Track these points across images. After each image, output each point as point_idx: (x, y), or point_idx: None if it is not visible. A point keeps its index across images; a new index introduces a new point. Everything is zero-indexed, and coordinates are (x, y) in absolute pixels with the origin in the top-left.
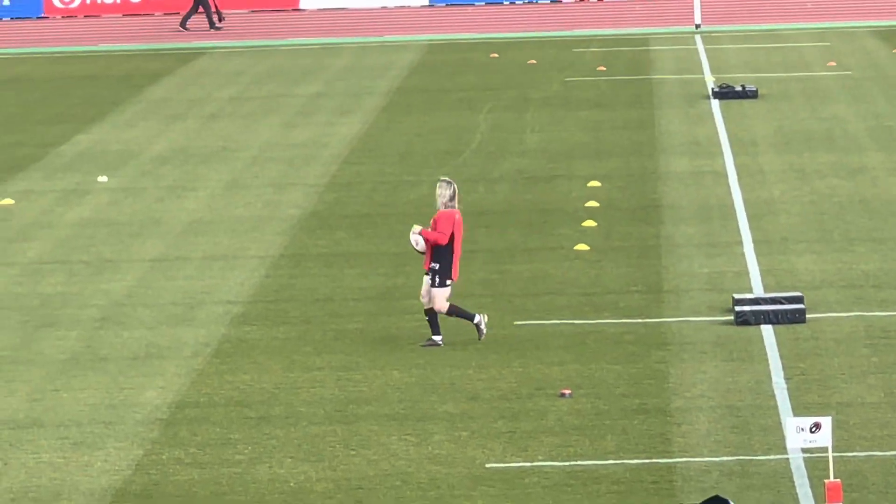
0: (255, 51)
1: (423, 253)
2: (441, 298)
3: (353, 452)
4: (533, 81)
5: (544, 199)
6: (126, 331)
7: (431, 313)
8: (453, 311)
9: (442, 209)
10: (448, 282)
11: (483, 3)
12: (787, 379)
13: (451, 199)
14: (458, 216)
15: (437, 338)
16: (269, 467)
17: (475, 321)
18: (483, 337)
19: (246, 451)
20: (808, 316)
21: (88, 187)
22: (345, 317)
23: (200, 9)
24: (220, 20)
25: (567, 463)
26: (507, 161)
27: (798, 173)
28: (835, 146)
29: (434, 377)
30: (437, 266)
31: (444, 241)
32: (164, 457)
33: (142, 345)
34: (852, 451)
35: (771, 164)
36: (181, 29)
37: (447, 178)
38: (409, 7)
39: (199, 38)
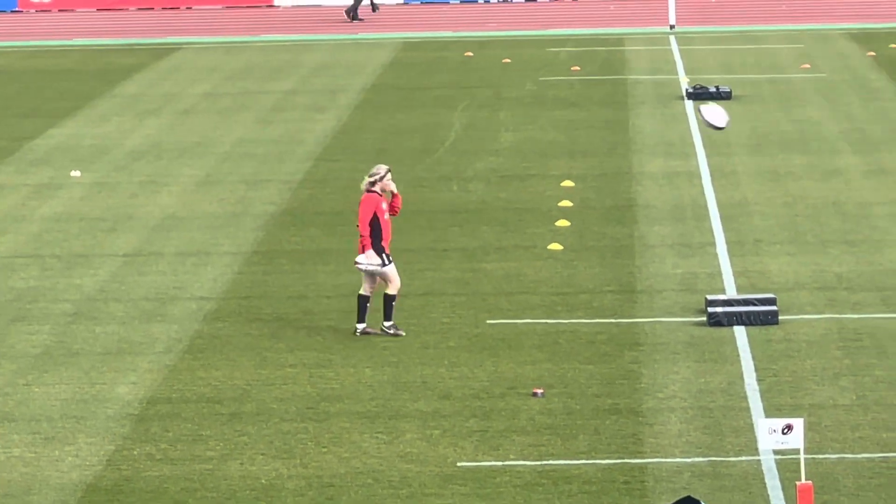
0: (230, 47)
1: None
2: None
3: (324, 450)
4: (507, 80)
5: (518, 198)
6: (98, 326)
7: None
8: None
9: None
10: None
11: (458, 2)
12: (759, 380)
13: (372, 185)
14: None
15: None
16: (241, 464)
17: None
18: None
19: (217, 448)
20: (780, 318)
21: (61, 182)
22: (317, 314)
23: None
24: (373, 11)
25: (539, 462)
26: (481, 160)
27: (771, 175)
28: (808, 148)
29: (406, 375)
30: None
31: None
32: (135, 452)
33: (114, 340)
34: (824, 453)
35: (744, 166)
36: (351, 20)
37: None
38: (384, 5)
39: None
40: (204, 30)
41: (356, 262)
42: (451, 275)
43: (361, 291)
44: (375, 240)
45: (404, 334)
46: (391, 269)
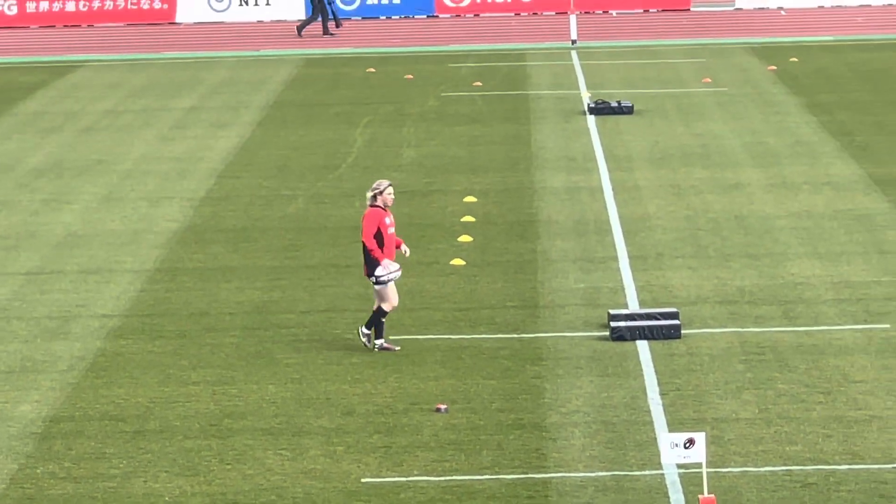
0: (131, 64)
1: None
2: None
3: (228, 467)
4: (409, 96)
5: (421, 213)
6: (0, 344)
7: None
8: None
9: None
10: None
11: (359, 18)
12: (662, 394)
13: (374, 198)
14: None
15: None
16: (144, 481)
17: (367, 337)
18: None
19: (121, 466)
20: (683, 332)
21: None
22: (220, 331)
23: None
24: (336, 27)
25: (442, 478)
26: (384, 175)
27: (673, 189)
28: (710, 162)
29: (309, 391)
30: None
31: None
32: (38, 471)
33: (16, 358)
34: (727, 467)
35: (646, 180)
36: (300, 35)
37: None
38: (285, 21)
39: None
40: (105, 47)
41: (376, 277)
42: (353, 291)
43: (390, 308)
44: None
45: (398, 349)
46: (391, 286)
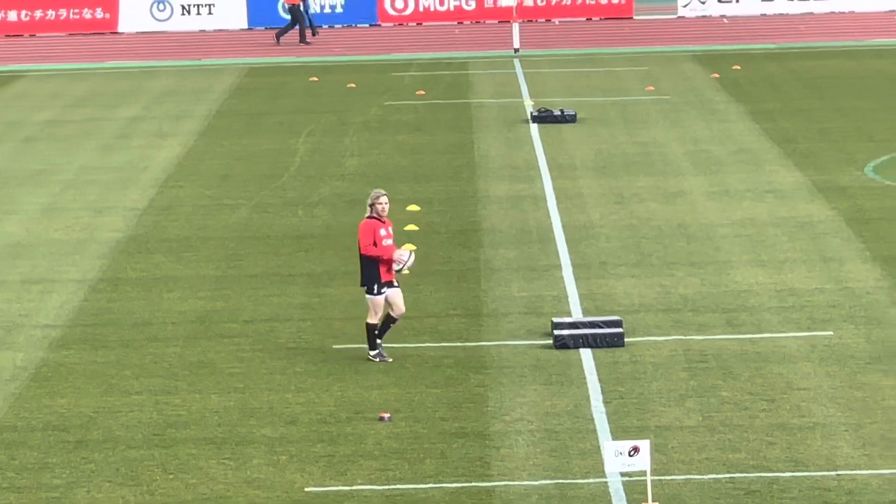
0: (73, 73)
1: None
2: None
3: (171, 476)
4: (352, 105)
5: None
6: None
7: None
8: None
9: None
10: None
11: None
12: (605, 402)
13: (371, 209)
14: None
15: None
16: (87, 491)
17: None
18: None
19: (63, 476)
20: (626, 340)
21: None
22: (163, 340)
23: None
24: (313, 35)
25: (386, 487)
26: (327, 185)
27: (617, 197)
28: (653, 170)
29: (253, 401)
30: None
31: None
32: None
33: None
34: (670, 475)
35: (589, 188)
36: (278, 42)
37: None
38: (227, 31)
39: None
40: (47, 57)
41: (399, 269)
42: (297, 300)
43: (373, 319)
44: (373, 265)
45: (391, 360)
46: (380, 300)
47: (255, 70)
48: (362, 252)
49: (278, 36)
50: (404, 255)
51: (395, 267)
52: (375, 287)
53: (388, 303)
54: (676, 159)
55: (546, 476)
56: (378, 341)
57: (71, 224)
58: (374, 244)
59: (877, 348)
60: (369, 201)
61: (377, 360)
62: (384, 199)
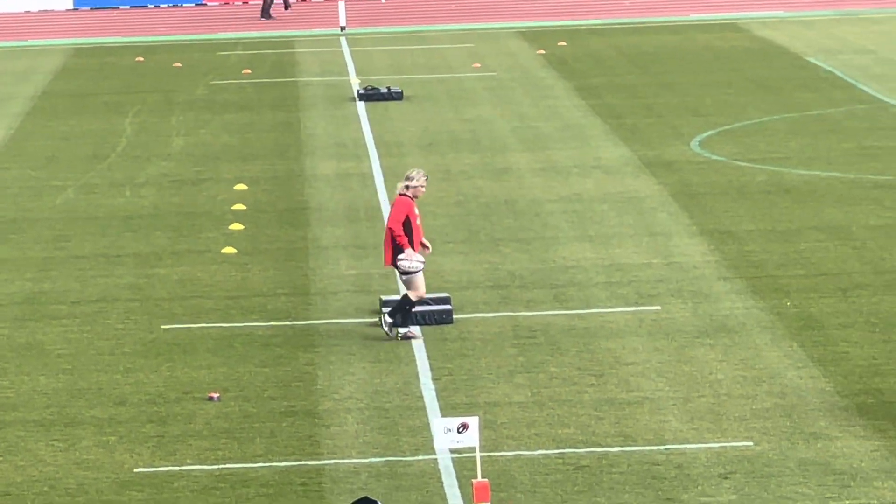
0: None
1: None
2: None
3: (0, 459)
4: (178, 85)
5: (191, 202)
6: None
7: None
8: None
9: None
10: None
11: (128, 7)
12: (434, 379)
13: (406, 188)
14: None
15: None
16: None
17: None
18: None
19: None
20: (455, 316)
21: None
22: None
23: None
24: (285, 9)
25: (215, 466)
26: (153, 165)
27: (444, 174)
28: (480, 147)
29: (81, 382)
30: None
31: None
32: None
33: None
34: (500, 451)
35: (417, 166)
36: (267, 18)
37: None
38: (52, 11)
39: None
40: None
41: (398, 260)
42: (125, 280)
43: (417, 298)
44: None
45: (420, 336)
46: (419, 275)
47: (81, 51)
48: (392, 226)
49: (264, 11)
50: (417, 258)
51: (402, 261)
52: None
53: (408, 285)
54: (503, 136)
55: (375, 453)
56: (391, 318)
57: None
58: (407, 221)
59: (704, 322)
60: (406, 181)
61: (403, 337)
62: (424, 182)
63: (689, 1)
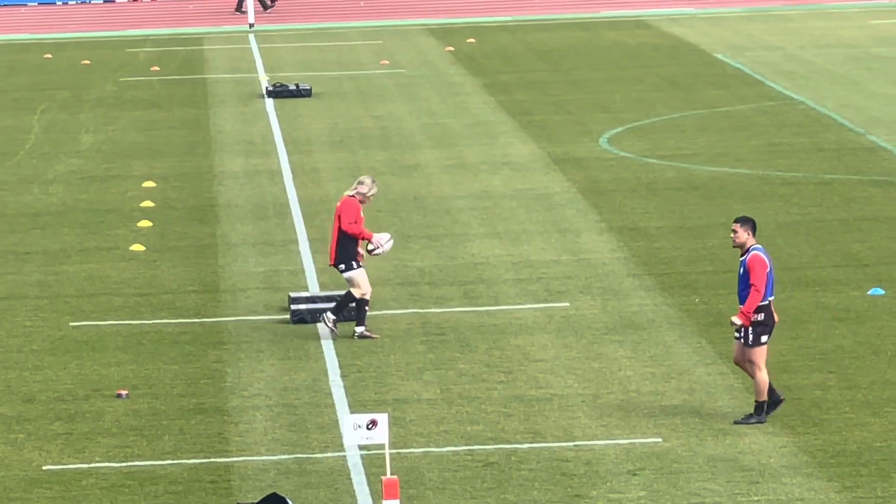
0: None
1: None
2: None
3: None
4: (87, 82)
5: (99, 199)
6: None
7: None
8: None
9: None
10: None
11: (36, 4)
12: (343, 376)
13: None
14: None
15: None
16: None
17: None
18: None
19: None
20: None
21: None
22: None
23: None
24: (265, 9)
25: (124, 464)
26: (62, 162)
27: (353, 171)
28: (389, 144)
29: None
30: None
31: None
32: None
33: None
34: (409, 448)
35: (325, 163)
36: (265, 9)
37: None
38: None
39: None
40: None
41: (372, 249)
42: (33, 278)
43: (361, 295)
44: (352, 242)
45: (378, 337)
46: (361, 274)
47: None
48: (344, 229)
49: (263, 4)
50: (383, 239)
51: (371, 248)
52: (354, 263)
53: (353, 283)
54: (412, 133)
55: (285, 451)
56: (334, 316)
57: None
58: (356, 222)
59: (613, 319)
60: (363, 189)
61: (366, 336)
62: (375, 191)
63: None
